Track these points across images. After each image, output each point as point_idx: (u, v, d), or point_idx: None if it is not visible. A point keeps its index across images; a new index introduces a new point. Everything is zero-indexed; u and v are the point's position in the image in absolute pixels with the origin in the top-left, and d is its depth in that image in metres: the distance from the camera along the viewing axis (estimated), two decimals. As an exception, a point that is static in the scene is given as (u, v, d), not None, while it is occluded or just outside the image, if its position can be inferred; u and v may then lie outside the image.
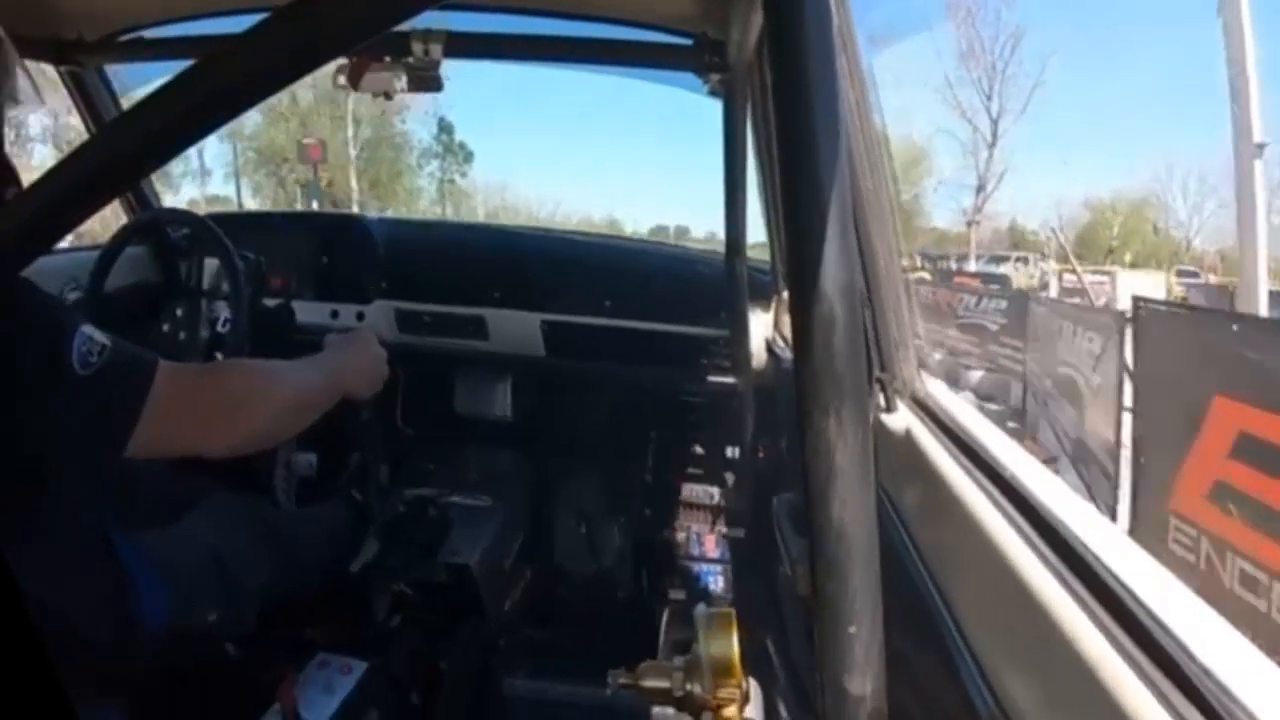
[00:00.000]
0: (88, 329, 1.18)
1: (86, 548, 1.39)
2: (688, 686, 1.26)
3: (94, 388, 1.16)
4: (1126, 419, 4.81)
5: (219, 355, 2.16)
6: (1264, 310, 5.96)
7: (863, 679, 0.62)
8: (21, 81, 1.30)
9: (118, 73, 2.51)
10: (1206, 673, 0.54)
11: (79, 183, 0.55)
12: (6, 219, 0.54)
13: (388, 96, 1.84)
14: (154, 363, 1.24)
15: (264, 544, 1.79)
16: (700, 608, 1.27)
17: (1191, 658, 0.56)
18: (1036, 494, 0.80)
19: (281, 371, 1.49)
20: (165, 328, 2.21)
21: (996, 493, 0.84)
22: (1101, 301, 11.50)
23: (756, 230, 2.16)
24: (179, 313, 2.33)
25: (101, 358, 1.17)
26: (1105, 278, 17.01)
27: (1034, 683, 0.70)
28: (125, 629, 1.42)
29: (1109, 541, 0.71)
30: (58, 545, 1.31)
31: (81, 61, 2.27)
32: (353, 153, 29.53)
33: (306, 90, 25.99)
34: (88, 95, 2.41)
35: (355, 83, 1.83)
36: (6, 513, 1.18)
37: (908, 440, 1.09)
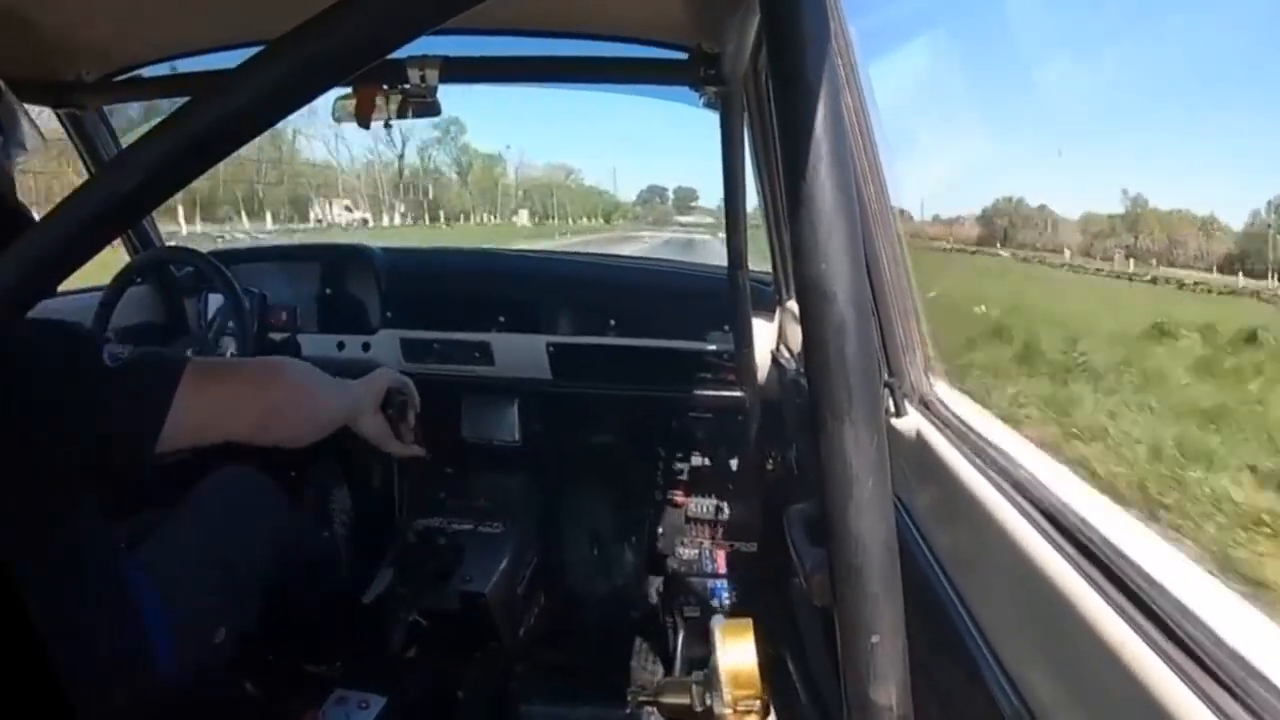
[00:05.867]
0: (114, 344, 1.31)
1: (100, 577, 1.40)
2: (707, 700, 1.25)
3: (125, 377, 1.26)
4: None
5: None
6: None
7: (888, 689, 0.62)
8: (25, 128, 1.35)
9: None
10: (1238, 660, 0.54)
11: (81, 223, 0.55)
12: (9, 262, 0.54)
13: (387, 125, 1.85)
14: (184, 359, 1.33)
15: (259, 527, 1.81)
16: (717, 619, 1.26)
17: (1222, 646, 0.55)
18: (1053, 492, 0.80)
19: (301, 368, 1.53)
20: None
21: (1012, 492, 0.84)
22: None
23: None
24: (187, 352, 2.34)
25: (131, 355, 1.28)
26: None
27: (1060, 683, 0.70)
28: (137, 660, 1.43)
29: (1130, 536, 0.70)
30: (73, 576, 1.33)
31: (81, 103, 2.28)
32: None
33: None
34: (87, 136, 2.42)
35: (364, 120, 1.84)
36: (28, 539, 1.22)
37: (919, 444, 1.09)
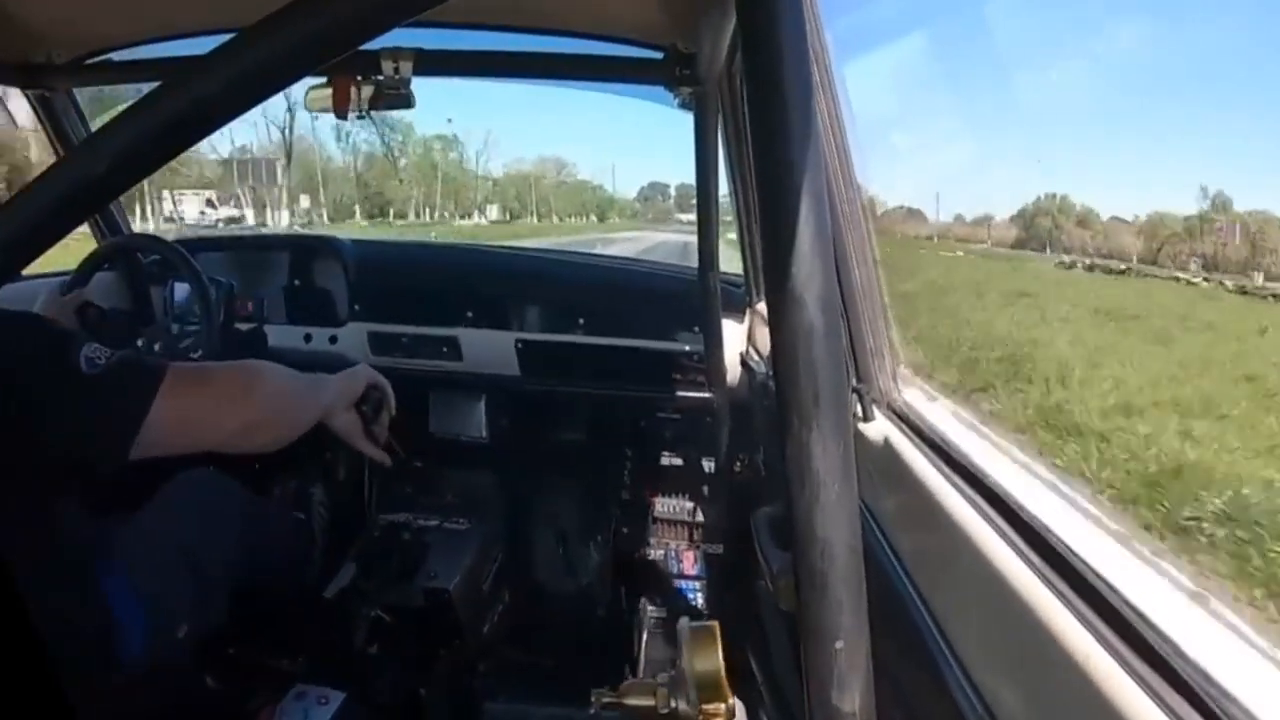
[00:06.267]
0: (93, 345, 1.27)
1: (69, 574, 1.39)
2: (672, 703, 1.25)
3: (104, 382, 1.24)
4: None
5: None
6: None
7: (851, 695, 0.62)
8: None
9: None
10: (1197, 668, 0.54)
11: (48, 206, 0.54)
12: None
13: (361, 116, 1.84)
14: (164, 366, 1.31)
15: (229, 527, 1.80)
16: (683, 622, 1.26)
17: (1181, 654, 0.55)
18: (1019, 499, 0.80)
19: (279, 373, 1.52)
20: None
21: (979, 499, 0.84)
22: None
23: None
24: (154, 342, 2.32)
25: (109, 361, 1.26)
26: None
27: (1023, 688, 0.70)
28: (104, 651, 1.42)
29: (1093, 543, 0.71)
30: (43, 572, 1.31)
31: (50, 85, 2.25)
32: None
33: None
34: (56, 118, 2.38)
35: (340, 111, 1.82)
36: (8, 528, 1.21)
37: (886, 450, 1.09)
